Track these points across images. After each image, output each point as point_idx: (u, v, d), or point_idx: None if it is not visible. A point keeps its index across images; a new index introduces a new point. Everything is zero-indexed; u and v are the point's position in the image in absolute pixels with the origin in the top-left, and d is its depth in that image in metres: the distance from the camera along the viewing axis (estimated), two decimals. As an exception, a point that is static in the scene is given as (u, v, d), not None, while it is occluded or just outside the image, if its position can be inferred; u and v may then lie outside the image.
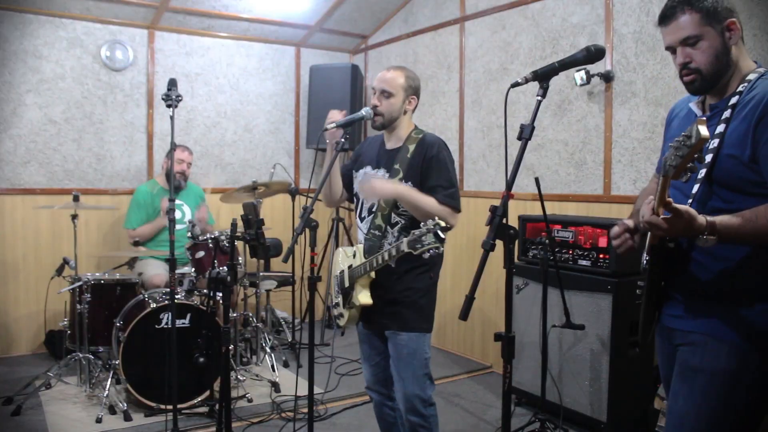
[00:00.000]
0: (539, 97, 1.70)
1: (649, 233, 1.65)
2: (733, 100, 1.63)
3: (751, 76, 1.64)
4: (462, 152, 4.74)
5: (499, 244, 1.66)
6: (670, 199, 1.46)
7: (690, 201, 1.64)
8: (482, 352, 4.63)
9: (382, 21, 5.58)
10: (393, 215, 2.46)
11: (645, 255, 1.73)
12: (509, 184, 1.67)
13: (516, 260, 3.69)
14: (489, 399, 3.89)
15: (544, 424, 3.18)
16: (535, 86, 1.72)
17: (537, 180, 3.11)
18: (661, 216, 1.50)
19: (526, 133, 1.67)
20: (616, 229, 1.82)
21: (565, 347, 3.37)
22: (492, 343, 4.43)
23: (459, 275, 4.78)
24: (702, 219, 1.48)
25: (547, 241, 3.09)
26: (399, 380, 2.48)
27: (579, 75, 3.67)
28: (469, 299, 1.61)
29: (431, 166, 2.41)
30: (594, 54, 1.72)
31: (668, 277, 1.72)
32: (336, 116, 2.46)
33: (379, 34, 5.70)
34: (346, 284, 2.51)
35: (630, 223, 1.80)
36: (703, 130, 1.31)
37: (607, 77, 3.66)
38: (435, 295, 2.56)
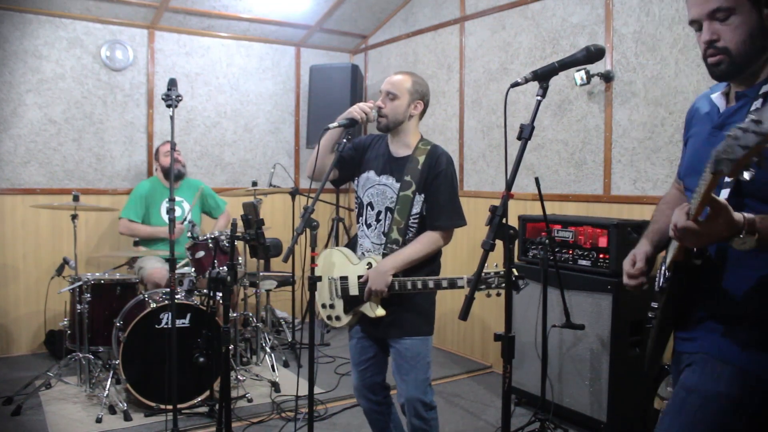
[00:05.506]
0: (539, 97, 1.70)
1: (670, 248, 1.44)
2: (766, 87, 1.39)
3: None
4: (462, 152, 4.74)
5: (499, 244, 1.67)
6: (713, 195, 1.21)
7: None
8: (482, 352, 4.63)
9: (382, 21, 5.58)
10: (407, 229, 2.46)
11: (661, 275, 1.54)
12: (509, 184, 1.67)
13: (516, 260, 3.69)
14: (489, 399, 3.89)
15: (544, 424, 3.18)
16: (535, 86, 1.72)
17: (537, 180, 3.11)
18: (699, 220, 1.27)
19: (526, 133, 1.67)
20: (632, 271, 1.60)
21: (565, 347, 3.36)
22: (492, 343, 4.43)
23: (459, 275, 4.76)
24: (739, 216, 1.25)
25: (547, 241, 3.09)
26: (401, 384, 2.48)
27: (579, 75, 3.67)
28: (469, 299, 1.62)
29: (439, 182, 2.44)
30: (594, 54, 1.72)
31: (689, 298, 1.49)
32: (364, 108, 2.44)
33: (379, 34, 5.70)
34: (352, 293, 2.47)
35: (642, 258, 1.61)
36: None
37: (607, 77, 3.66)
38: (435, 296, 2.57)
